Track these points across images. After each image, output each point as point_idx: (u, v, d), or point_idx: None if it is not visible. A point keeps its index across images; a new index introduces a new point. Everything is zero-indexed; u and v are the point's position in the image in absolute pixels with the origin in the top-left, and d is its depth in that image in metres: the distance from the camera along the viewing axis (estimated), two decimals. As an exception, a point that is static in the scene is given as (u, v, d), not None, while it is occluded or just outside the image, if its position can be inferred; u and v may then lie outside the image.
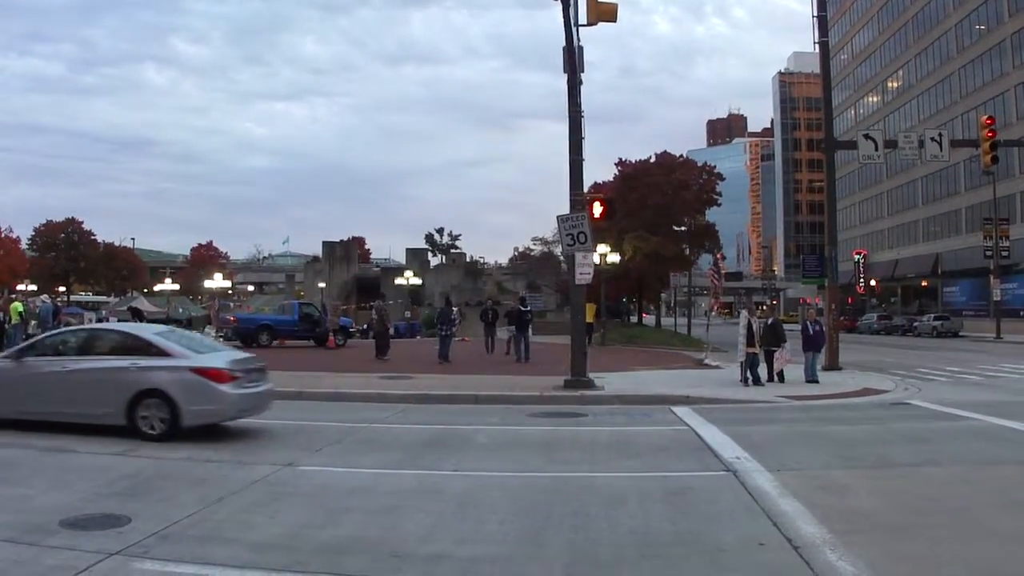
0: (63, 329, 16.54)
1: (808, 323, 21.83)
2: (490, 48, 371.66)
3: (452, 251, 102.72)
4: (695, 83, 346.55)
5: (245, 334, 35.31)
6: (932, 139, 26.05)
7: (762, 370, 19.85)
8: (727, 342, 28.05)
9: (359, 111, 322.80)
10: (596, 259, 25.68)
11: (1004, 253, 54.54)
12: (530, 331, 28.47)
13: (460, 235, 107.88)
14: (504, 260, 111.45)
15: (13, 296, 45.66)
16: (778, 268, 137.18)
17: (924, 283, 76.75)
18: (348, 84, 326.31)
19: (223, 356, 12.00)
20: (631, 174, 56.98)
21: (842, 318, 41.89)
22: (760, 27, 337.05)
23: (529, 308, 29.45)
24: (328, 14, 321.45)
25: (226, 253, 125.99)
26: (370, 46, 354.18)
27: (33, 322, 30.35)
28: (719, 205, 59.99)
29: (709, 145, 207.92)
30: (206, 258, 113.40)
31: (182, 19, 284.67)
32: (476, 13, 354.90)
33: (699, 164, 62.00)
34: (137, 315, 47.41)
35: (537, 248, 76.68)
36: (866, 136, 26.52)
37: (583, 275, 18.67)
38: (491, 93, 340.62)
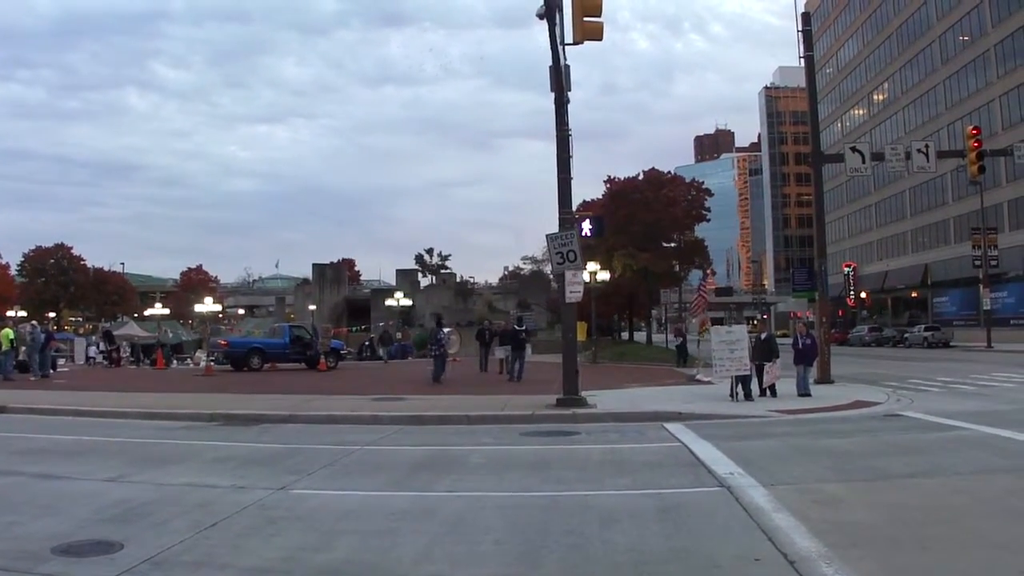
0: None
1: (799, 336, 21.84)
2: (469, 68, 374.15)
3: (442, 271, 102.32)
4: (677, 99, 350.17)
5: (236, 357, 35.18)
6: (919, 150, 26.22)
7: (753, 384, 19.86)
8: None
9: (341, 133, 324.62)
10: (586, 277, 25.69)
11: (993, 262, 54.89)
12: (526, 351, 28.45)
13: (450, 255, 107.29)
14: (494, 279, 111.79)
15: (4, 323, 45.37)
16: (768, 282, 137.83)
17: (914, 294, 77.09)
18: (329, 105, 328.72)
19: None
20: (619, 191, 57.18)
21: (833, 331, 41.98)
22: (738, 42, 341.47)
23: (525, 328, 29.48)
24: (307, 36, 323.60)
25: (216, 277, 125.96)
26: (349, 67, 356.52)
27: (23, 348, 30.19)
28: (708, 221, 60.27)
29: (697, 161, 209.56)
30: (196, 282, 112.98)
31: (161, 43, 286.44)
32: (453, 33, 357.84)
33: (687, 180, 62.36)
34: (108, 339, 47.44)
35: (527, 267, 76.76)
36: (853, 149, 26.67)
37: (573, 293, 18.70)
38: (472, 113, 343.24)
